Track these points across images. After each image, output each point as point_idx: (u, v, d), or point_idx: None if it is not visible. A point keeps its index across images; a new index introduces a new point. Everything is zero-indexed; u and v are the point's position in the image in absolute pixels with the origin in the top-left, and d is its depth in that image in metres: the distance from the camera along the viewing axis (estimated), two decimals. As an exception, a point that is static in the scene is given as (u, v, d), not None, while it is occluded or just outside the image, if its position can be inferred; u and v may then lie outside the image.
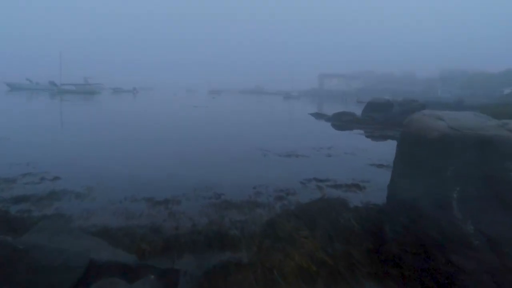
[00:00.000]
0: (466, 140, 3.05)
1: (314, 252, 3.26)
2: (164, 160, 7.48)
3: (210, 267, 3.00)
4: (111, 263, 2.63)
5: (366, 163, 7.69)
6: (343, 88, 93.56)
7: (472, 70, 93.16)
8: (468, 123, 3.29)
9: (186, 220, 3.98)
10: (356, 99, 59.30)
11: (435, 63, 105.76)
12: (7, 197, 4.49)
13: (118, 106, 28.20)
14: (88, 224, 3.73)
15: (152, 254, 3.20)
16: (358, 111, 23.56)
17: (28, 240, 2.70)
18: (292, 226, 3.78)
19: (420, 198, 3.22)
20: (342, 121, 16.33)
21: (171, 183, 5.45)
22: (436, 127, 3.29)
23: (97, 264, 2.57)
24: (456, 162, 3.05)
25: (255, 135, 12.57)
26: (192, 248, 3.34)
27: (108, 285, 2.36)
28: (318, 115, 21.98)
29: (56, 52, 55.43)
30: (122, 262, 2.68)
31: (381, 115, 17.63)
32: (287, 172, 6.52)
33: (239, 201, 4.65)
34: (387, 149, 10.01)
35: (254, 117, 22.66)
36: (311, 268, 3.05)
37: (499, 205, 2.82)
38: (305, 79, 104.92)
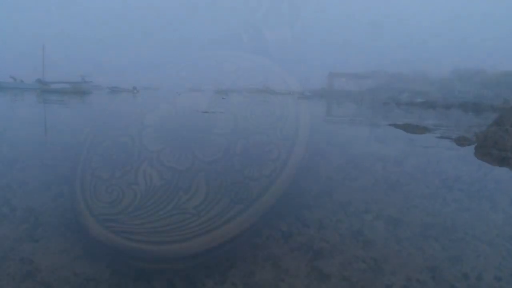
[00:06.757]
0: None
1: None
2: None
3: None
4: None
5: None
6: (354, 88, 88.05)
7: (490, 69, 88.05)
8: None
9: None
10: (372, 99, 53.36)
11: (446, 62, 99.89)
12: None
13: (100, 113, 20.62)
14: None
15: None
16: (389, 113, 16.65)
17: None
18: None
19: None
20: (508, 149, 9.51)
21: None
22: None
23: None
24: None
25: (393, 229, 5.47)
26: None
27: None
28: (412, 129, 15.26)
29: (51, 48, 50.26)
30: None
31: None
32: None
33: None
34: None
35: (314, 134, 15.46)
36: None
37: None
38: (313, 78, 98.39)
